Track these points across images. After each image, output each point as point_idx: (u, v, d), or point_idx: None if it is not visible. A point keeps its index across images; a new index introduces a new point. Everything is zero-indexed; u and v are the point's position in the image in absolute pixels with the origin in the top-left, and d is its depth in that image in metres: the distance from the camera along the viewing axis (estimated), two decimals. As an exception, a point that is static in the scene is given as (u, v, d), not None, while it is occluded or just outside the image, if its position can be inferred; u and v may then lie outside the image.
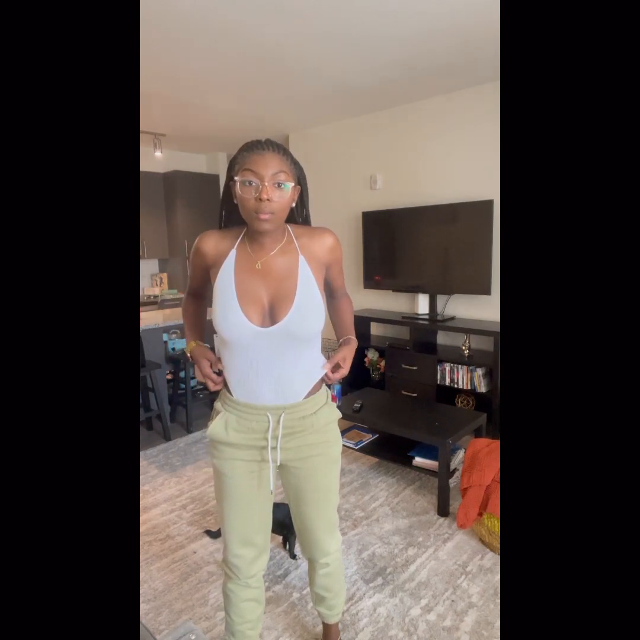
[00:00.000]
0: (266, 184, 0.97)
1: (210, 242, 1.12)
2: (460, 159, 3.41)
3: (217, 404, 1.20)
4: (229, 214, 1.14)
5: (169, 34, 2.40)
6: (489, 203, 3.10)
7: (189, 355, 1.22)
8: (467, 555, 1.98)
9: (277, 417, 1.13)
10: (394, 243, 3.65)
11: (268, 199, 0.97)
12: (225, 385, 1.18)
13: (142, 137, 4.50)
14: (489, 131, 3.23)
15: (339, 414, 1.25)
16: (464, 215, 3.23)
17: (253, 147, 1.01)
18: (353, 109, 3.78)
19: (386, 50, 2.64)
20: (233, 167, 1.03)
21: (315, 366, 1.18)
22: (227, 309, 1.06)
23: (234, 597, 1.27)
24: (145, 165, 5.07)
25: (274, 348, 1.09)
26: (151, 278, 5.50)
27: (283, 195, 1.00)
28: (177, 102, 3.50)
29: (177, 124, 4.14)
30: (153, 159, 4.87)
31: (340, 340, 1.28)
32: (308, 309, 1.07)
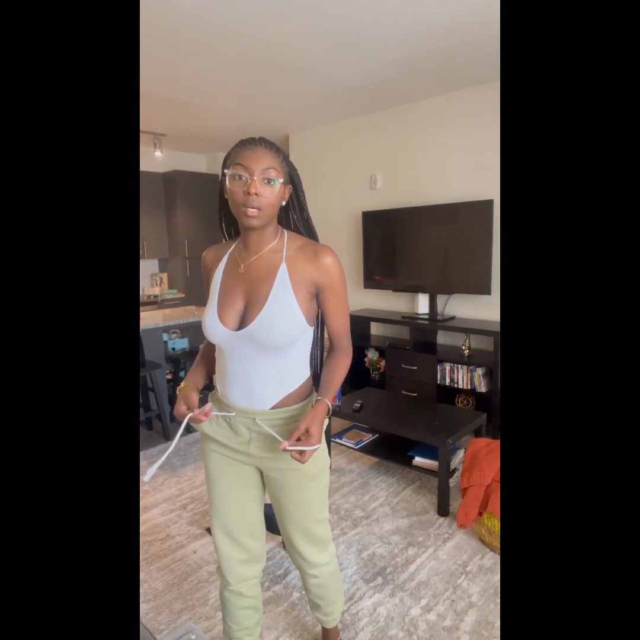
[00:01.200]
0: (255, 178, 0.98)
1: (211, 253, 1.19)
2: (460, 159, 3.41)
3: (209, 396, 1.23)
4: (227, 210, 1.15)
5: (169, 34, 2.40)
6: (489, 203, 3.10)
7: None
8: (467, 555, 1.98)
9: (251, 419, 1.11)
10: (394, 243, 3.65)
11: (256, 193, 0.98)
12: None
13: (142, 137, 4.50)
14: (489, 131, 3.23)
15: (325, 424, 1.15)
16: (464, 215, 3.22)
17: (246, 143, 1.02)
18: (353, 109, 3.78)
19: (386, 50, 2.64)
20: (225, 162, 1.05)
21: (292, 377, 1.12)
22: (208, 312, 1.11)
23: (230, 605, 1.27)
24: (145, 165, 5.07)
25: (243, 352, 1.09)
26: (151, 278, 5.50)
27: (272, 192, 1.01)
28: (177, 102, 3.50)
29: (177, 124, 4.14)
30: (153, 159, 4.87)
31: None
32: (276, 316, 1.04)
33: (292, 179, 1.09)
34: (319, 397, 1.09)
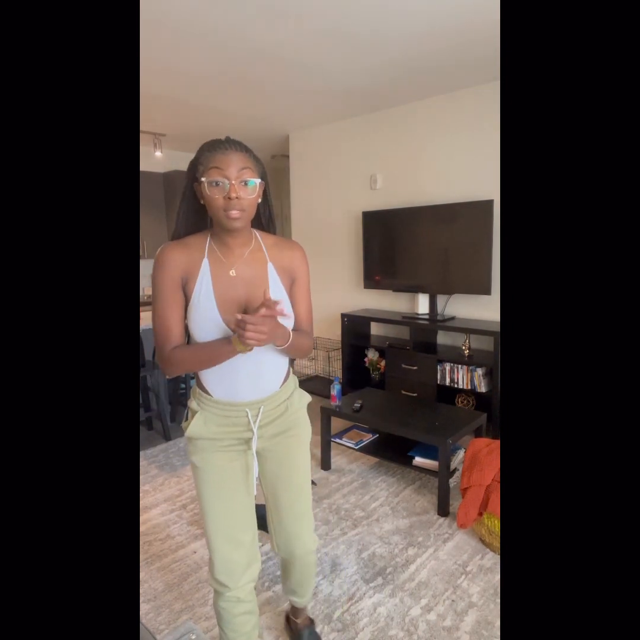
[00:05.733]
0: (233, 182, 1.00)
1: (178, 252, 1.09)
2: (460, 159, 3.41)
3: (193, 404, 1.20)
4: (190, 214, 1.13)
5: (169, 34, 2.40)
6: (489, 203, 3.10)
7: (245, 341, 1.01)
8: (467, 555, 1.98)
9: (256, 411, 1.18)
10: (394, 243, 3.65)
11: (237, 197, 1.00)
12: (200, 386, 1.19)
13: (142, 137, 4.50)
14: (489, 131, 3.23)
15: (309, 398, 1.32)
16: (464, 215, 3.22)
17: (216, 146, 1.02)
18: (353, 109, 3.78)
19: (386, 50, 2.64)
20: (196, 168, 1.05)
21: (286, 360, 1.24)
22: (207, 316, 1.08)
23: (227, 614, 1.24)
24: (145, 165, 5.07)
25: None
26: (151, 278, 5.49)
27: (250, 192, 1.03)
28: (177, 102, 3.50)
29: (177, 124, 4.14)
30: (153, 159, 4.86)
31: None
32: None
33: (263, 176, 1.10)
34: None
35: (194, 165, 1.06)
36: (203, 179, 1.02)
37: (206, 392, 1.17)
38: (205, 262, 1.10)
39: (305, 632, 1.54)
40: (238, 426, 1.18)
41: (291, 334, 1.12)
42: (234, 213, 1.02)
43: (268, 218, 1.20)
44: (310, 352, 1.25)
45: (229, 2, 2.09)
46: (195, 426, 1.17)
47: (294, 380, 1.30)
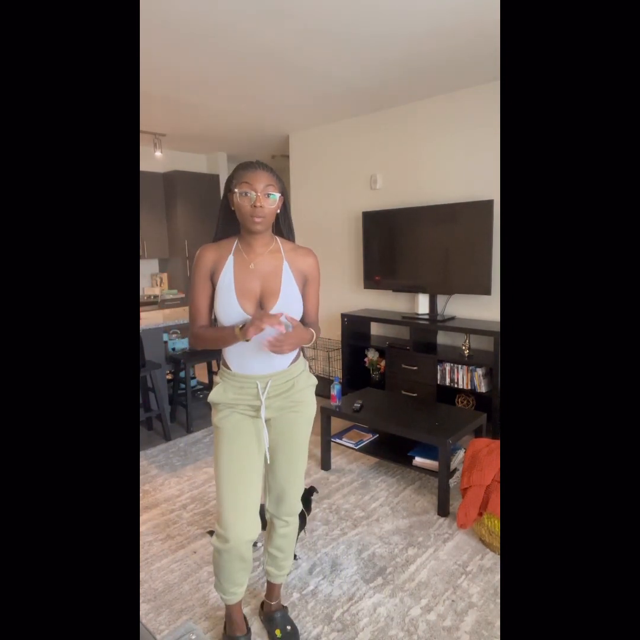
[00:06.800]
0: (259, 194, 1.26)
1: (211, 250, 1.38)
2: (460, 159, 3.41)
3: (217, 378, 1.46)
4: (227, 221, 1.39)
5: (169, 34, 2.40)
6: (489, 203, 3.09)
7: (247, 334, 1.24)
8: (467, 555, 1.98)
9: (265, 384, 1.39)
10: (394, 243, 3.65)
11: (261, 206, 1.26)
12: (223, 362, 1.43)
13: (142, 137, 4.50)
14: (489, 131, 3.23)
15: (315, 380, 1.52)
16: (464, 215, 3.22)
17: (248, 166, 1.29)
18: (353, 109, 3.78)
19: (386, 50, 2.64)
20: (231, 182, 1.31)
21: None
22: (227, 302, 1.33)
23: (227, 571, 1.42)
24: (145, 165, 5.07)
25: (262, 332, 1.29)
26: (151, 278, 5.49)
27: (271, 203, 1.29)
28: (177, 102, 3.50)
29: (177, 124, 4.14)
30: (153, 159, 4.87)
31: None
32: (290, 302, 1.36)
33: (283, 191, 1.34)
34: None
35: (230, 180, 1.31)
36: (236, 190, 1.28)
37: (227, 366, 1.42)
38: (230, 258, 1.36)
39: (277, 614, 1.62)
40: (249, 395, 1.39)
41: (305, 328, 1.33)
42: (258, 219, 1.27)
43: (288, 227, 1.44)
44: (313, 340, 1.44)
45: (229, 2, 2.09)
46: (216, 392, 1.42)
47: (303, 363, 1.49)
